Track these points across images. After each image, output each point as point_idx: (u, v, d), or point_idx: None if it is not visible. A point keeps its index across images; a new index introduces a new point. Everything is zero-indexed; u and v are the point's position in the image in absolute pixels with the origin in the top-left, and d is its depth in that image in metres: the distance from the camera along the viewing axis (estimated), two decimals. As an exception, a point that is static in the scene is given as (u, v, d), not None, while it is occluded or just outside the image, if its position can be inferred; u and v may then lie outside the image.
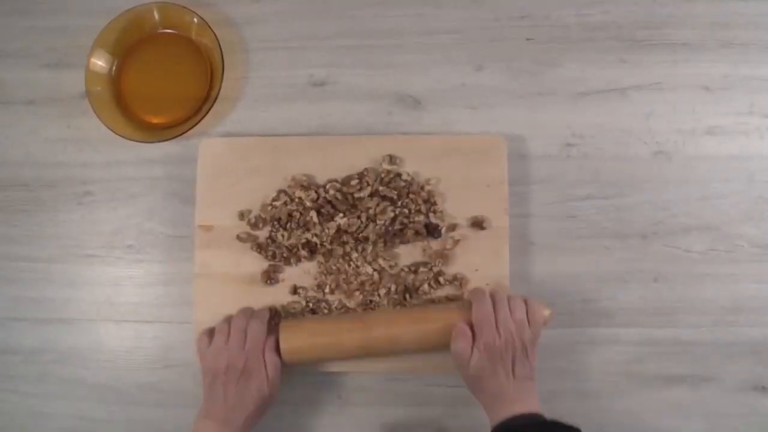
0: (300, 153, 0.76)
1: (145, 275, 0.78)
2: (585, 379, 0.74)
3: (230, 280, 0.75)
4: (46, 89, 0.82)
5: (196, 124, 0.77)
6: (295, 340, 0.69)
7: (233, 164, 0.76)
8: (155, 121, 0.80)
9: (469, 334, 0.66)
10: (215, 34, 0.77)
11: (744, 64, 0.78)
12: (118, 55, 0.80)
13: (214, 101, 0.77)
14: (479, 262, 0.73)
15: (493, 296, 0.67)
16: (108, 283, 0.78)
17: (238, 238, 0.75)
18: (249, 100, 0.80)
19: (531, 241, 0.76)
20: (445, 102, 0.78)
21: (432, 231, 0.73)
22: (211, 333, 0.70)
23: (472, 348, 0.65)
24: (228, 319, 0.71)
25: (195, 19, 0.78)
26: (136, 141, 0.77)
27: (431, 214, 0.74)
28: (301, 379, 0.75)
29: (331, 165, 0.76)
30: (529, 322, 0.66)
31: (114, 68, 0.81)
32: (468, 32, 0.80)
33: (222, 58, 0.77)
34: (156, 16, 0.80)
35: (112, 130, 0.76)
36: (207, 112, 0.77)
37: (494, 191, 0.74)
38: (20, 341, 0.79)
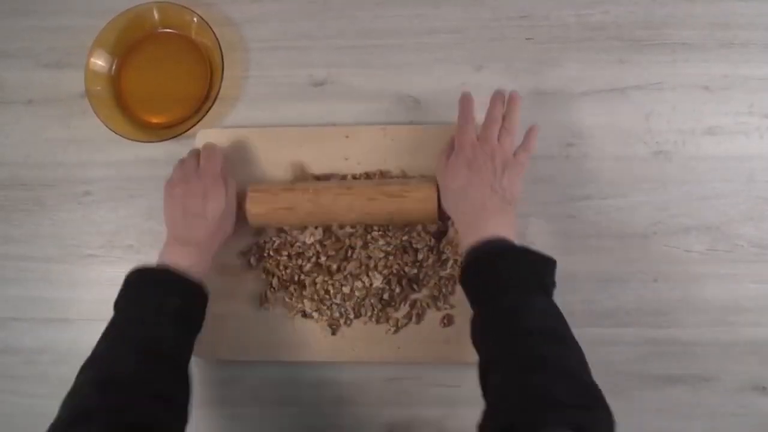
0: (297, 144, 0.77)
1: (145, 275, 0.78)
2: (585, 379, 0.74)
3: (227, 271, 0.75)
4: (46, 89, 0.82)
5: (196, 123, 0.77)
6: (261, 197, 0.72)
7: (231, 155, 0.77)
8: (155, 120, 0.80)
9: (450, 149, 0.68)
10: (215, 34, 0.77)
11: (744, 64, 0.78)
12: (118, 55, 0.80)
13: (214, 101, 0.77)
14: None
15: (488, 114, 0.68)
16: (108, 283, 0.78)
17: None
18: (249, 99, 0.80)
19: (531, 241, 0.76)
20: (445, 102, 0.78)
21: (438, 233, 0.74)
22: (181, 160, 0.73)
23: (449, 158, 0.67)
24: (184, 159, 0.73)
25: (195, 19, 0.78)
26: (136, 141, 0.77)
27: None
28: (301, 379, 0.75)
29: (327, 156, 0.76)
30: (518, 150, 0.67)
31: (114, 68, 0.81)
32: (468, 32, 0.80)
33: (222, 57, 0.77)
34: (156, 15, 0.80)
35: (112, 130, 0.77)
36: (207, 112, 0.77)
37: None
38: (20, 341, 0.79)
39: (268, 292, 0.74)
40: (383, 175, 0.75)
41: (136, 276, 0.65)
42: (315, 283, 0.73)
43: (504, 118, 0.68)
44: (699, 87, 0.78)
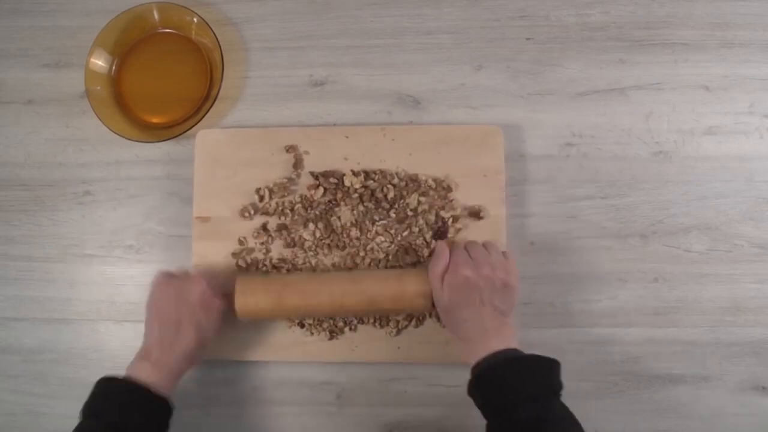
0: (297, 144, 0.76)
1: (145, 275, 0.78)
2: (584, 379, 0.74)
3: (228, 271, 0.75)
4: (45, 89, 0.82)
5: (196, 124, 0.77)
6: (249, 293, 0.69)
7: (230, 155, 0.77)
8: (155, 120, 0.80)
9: (447, 254, 0.67)
10: (215, 34, 0.77)
11: (744, 64, 0.78)
12: (118, 55, 0.80)
13: (214, 101, 0.77)
14: None
15: (468, 247, 0.68)
16: (108, 283, 0.78)
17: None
18: (249, 99, 0.80)
19: (531, 241, 0.76)
20: (444, 102, 0.78)
21: (440, 234, 0.74)
22: (169, 275, 0.71)
23: (446, 273, 0.66)
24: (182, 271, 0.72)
25: (195, 19, 0.78)
26: (136, 141, 0.77)
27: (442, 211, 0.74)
28: (301, 379, 0.75)
29: (328, 156, 0.76)
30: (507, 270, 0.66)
31: (114, 68, 0.81)
32: (467, 32, 0.80)
33: (222, 57, 0.77)
34: (156, 15, 0.80)
35: (111, 130, 0.76)
36: (207, 112, 0.77)
37: (491, 181, 0.74)
38: (20, 341, 0.78)
39: None
40: (383, 174, 0.75)
41: (103, 388, 0.64)
42: None
43: (484, 243, 0.69)
44: (699, 87, 0.78)
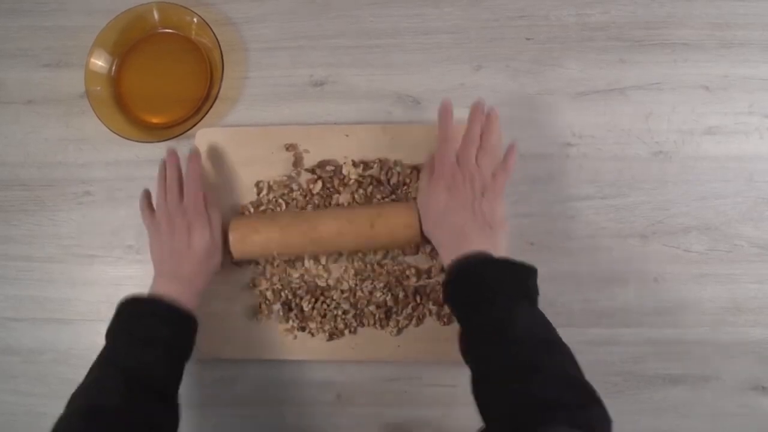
0: (297, 142, 0.76)
1: (144, 275, 0.78)
2: (585, 379, 0.74)
3: (228, 269, 0.75)
4: (45, 89, 0.82)
5: (196, 124, 0.77)
6: (244, 226, 0.71)
7: (230, 154, 0.77)
8: (155, 121, 0.80)
9: (432, 167, 0.68)
10: (215, 34, 0.77)
11: (744, 64, 0.78)
12: (118, 55, 0.80)
13: (214, 101, 0.77)
14: None
15: (466, 134, 0.68)
16: (108, 283, 0.78)
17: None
18: (249, 100, 0.80)
19: (531, 241, 0.76)
20: (445, 102, 0.78)
21: None
22: (149, 194, 0.73)
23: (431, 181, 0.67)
24: (162, 175, 0.72)
25: (195, 19, 0.78)
26: (136, 141, 0.77)
27: None
28: (301, 379, 0.75)
29: (328, 154, 0.76)
30: (497, 171, 0.67)
31: (114, 68, 0.81)
32: (467, 32, 0.80)
33: (222, 58, 0.77)
34: (156, 16, 0.80)
35: (111, 130, 0.76)
36: (207, 112, 0.77)
37: None
38: (20, 341, 0.78)
39: (263, 305, 0.75)
40: (382, 163, 0.75)
41: (127, 305, 0.65)
42: (315, 303, 0.74)
43: (482, 136, 0.68)
44: (699, 87, 0.78)
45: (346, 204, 0.74)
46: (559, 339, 0.57)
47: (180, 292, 0.65)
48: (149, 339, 0.62)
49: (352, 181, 0.74)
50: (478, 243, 0.62)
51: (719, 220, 0.75)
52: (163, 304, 0.64)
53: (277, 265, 0.75)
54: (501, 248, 0.63)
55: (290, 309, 0.74)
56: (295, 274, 0.75)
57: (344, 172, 0.75)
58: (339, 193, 0.75)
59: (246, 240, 0.71)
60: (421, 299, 0.73)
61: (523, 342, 0.56)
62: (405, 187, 0.74)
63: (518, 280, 0.60)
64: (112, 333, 0.64)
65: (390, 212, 0.70)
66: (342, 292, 0.74)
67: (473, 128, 0.68)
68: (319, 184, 0.75)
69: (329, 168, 0.75)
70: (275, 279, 0.75)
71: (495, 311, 0.58)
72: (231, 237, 0.71)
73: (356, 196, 0.74)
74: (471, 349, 0.60)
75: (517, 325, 0.57)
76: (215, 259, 0.70)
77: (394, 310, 0.73)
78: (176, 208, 0.69)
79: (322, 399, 0.75)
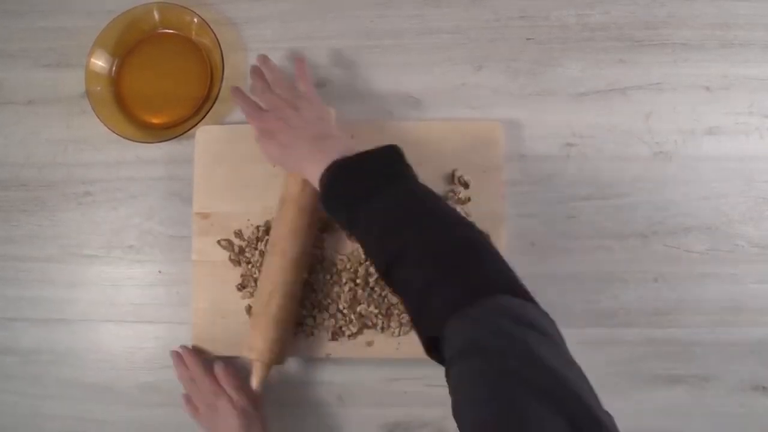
0: None
1: (145, 276, 0.78)
2: (585, 379, 0.74)
3: (228, 267, 0.75)
4: (46, 89, 0.82)
5: (197, 124, 0.77)
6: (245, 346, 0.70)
7: (230, 152, 0.77)
8: (155, 121, 0.80)
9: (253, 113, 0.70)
10: (215, 34, 0.77)
11: (744, 64, 0.78)
12: (118, 55, 0.80)
13: (214, 101, 0.77)
14: None
15: (253, 88, 0.71)
16: (108, 283, 0.78)
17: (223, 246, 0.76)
18: (249, 100, 0.80)
19: (531, 241, 0.76)
20: (445, 102, 0.78)
21: None
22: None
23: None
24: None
25: (195, 19, 0.78)
26: (136, 141, 0.77)
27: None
28: (301, 379, 0.75)
29: None
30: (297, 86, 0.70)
31: (114, 68, 0.80)
32: (468, 32, 0.80)
33: (222, 58, 0.77)
34: (156, 16, 0.80)
35: (112, 130, 0.76)
36: (207, 112, 0.77)
37: (490, 177, 0.74)
38: (19, 341, 0.78)
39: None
40: None
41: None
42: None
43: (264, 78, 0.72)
44: (699, 87, 0.78)
45: None
46: (443, 207, 0.57)
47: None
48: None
49: None
50: (321, 158, 0.61)
51: (719, 220, 0.75)
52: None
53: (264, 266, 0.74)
54: (341, 143, 0.63)
55: None
56: None
57: None
58: None
59: (266, 339, 0.69)
60: None
61: (416, 219, 0.55)
62: None
63: (384, 165, 0.59)
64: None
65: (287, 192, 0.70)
66: (339, 296, 0.74)
67: (257, 81, 0.72)
68: None
69: None
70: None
71: (375, 201, 0.57)
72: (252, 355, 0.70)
73: None
74: (366, 242, 0.59)
75: (408, 205, 0.56)
76: (250, 421, 0.68)
77: (396, 312, 0.73)
78: (205, 395, 0.71)
79: (322, 399, 0.75)
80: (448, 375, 0.48)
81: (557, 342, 0.47)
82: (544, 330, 0.46)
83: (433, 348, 0.53)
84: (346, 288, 0.73)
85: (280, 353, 0.70)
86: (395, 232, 0.55)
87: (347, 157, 0.60)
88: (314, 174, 0.62)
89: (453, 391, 0.46)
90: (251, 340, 0.69)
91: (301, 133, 0.65)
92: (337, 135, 0.66)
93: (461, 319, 0.48)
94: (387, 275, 0.57)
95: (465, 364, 0.45)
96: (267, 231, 0.75)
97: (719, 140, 0.77)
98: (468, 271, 0.52)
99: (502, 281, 0.52)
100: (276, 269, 0.69)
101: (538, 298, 0.72)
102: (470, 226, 0.56)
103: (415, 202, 0.57)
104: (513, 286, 0.52)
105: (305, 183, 0.68)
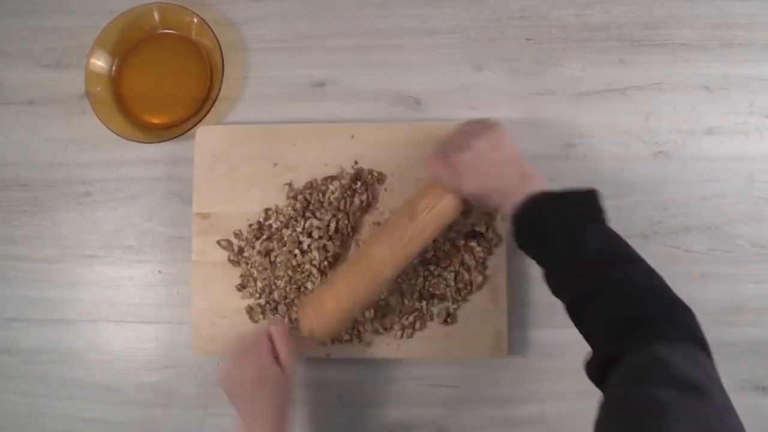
0: (297, 141, 0.76)
1: (145, 276, 0.78)
2: (585, 380, 0.74)
3: (228, 267, 0.75)
4: (46, 89, 0.82)
5: (196, 124, 0.77)
6: (318, 312, 0.66)
7: (230, 152, 0.77)
8: (155, 121, 0.80)
9: (437, 156, 0.65)
10: (215, 34, 0.77)
11: (744, 64, 0.78)
12: (118, 55, 0.80)
13: (214, 101, 0.77)
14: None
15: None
16: (108, 283, 0.78)
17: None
18: (249, 100, 0.80)
19: (531, 241, 0.75)
20: (445, 102, 0.78)
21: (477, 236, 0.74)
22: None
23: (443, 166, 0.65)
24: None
25: (195, 19, 0.78)
26: (136, 141, 0.77)
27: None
28: (301, 379, 0.75)
29: (328, 154, 0.76)
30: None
31: (114, 68, 0.80)
32: (468, 32, 0.80)
33: (222, 58, 0.77)
34: (156, 16, 0.80)
35: (111, 130, 0.76)
36: (207, 112, 0.77)
37: None
38: (20, 341, 0.78)
39: (253, 307, 0.75)
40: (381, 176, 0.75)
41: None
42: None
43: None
44: (699, 87, 0.78)
45: (371, 223, 0.75)
46: (635, 253, 0.58)
47: None
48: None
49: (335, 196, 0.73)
50: (530, 184, 0.62)
51: (719, 220, 0.75)
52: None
53: (263, 270, 0.74)
54: (543, 178, 0.63)
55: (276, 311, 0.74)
56: (280, 283, 0.73)
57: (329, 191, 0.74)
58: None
59: (321, 316, 0.66)
60: (426, 304, 0.73)
61: (595, 262, 0.57)
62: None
63: (582, 205, 0.60)
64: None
65: (424, 202, 0.66)
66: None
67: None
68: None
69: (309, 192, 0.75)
70: (259, 284, 0.74)
71: (565, 240, 0.58)
72: (305, 322, 0.67)
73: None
74: (557, 283, 0.60)
75: (587, 248, 0.57)
76: (289, 398, 0.66)
77: (397, 317, 0.73)
78: (251, 368, 0.65)
79: (322, 399, 0.75)
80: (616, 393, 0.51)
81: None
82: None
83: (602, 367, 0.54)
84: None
85: (335, 328, 0.68)
86: (592, 270, 0.57)
87: (550, 192, 0.60)
88: (506, 200, 0.62)
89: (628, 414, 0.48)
90: (321, 305, 0.67)
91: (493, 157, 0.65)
92: (535, 172, 0.65)
93: (662, 345, 0.51)
94: (573, 308, 0.58)
95: (670, 394, 0.47)
96: (260, 229, 0.75)
97: (719, 140, 0.77)
98: (659, 316, 0.54)
99: (692, 333, 0.56)
100: (380, 259, 0.66)
101: (538, 298, 0.72)
102: (661, 280, 0.58)
103: (614, 244, 0.59)
104: (700, 338, 0.56)
105: (455, 203, 0.66)
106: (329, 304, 0.66)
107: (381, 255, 0.66)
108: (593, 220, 0.59)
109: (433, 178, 0.66)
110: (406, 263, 0.66)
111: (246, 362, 0.65)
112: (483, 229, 0.73)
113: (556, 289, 0.60)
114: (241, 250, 0.75)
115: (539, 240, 0.60)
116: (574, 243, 0.57)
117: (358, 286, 0.66)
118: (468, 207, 0.69)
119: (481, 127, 0.65)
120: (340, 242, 0.73)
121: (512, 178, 0.63)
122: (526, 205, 0.60)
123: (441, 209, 0.65)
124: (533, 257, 0.62)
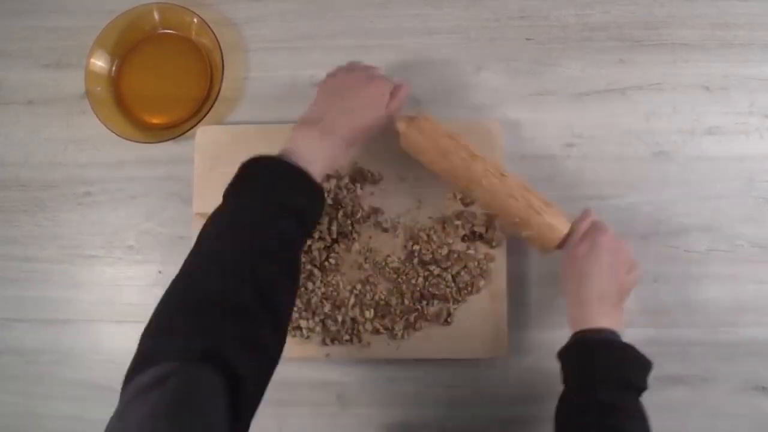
0: None
1: (145, 276, 0.78)
2: (585, 379, 0.74)
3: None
4: (45, 89, 0.82)
5: (196, 124, 0.77)
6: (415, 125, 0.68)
7: (230, 152, 0.76)
8: (155, 121, 0.80)
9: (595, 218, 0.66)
10: (215, 34, 0.77)
11: (744, 64, 0.78)
12: (118, 55, 0.80)
13: (214, 101, 0.77)
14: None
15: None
16: (108, 283, 0.78)
17: None
18: (249, 100, 0.80)
19: (531, 241, 0.76)
20: (445, 102, 0.78)
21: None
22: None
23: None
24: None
25: (195, 19, 0.78)
26: (136, 141, 0.77)
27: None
28: (301, 379, 0.75)
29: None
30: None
31: (114, 68, 0.81)
32: (468, 32, 0.80)
33: (222, 58, 0.77)
34: (156, 16, 0.80)
35: (111, 130, 0.76)
36: (207, 112, 0.77)
37: None
38: (20, 342, 0.79)
39: None
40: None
41: (255, 167, 0.58)
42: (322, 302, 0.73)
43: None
44: (699, 87, 0.78)
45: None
46: None
47: (321, 145, 0.60)
48: (284, 204, 0.56)
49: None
50: (610, 315, 0.62)
51: (719, 220, 0.75)
52: (296, 168, 0.57)
53: None
54: (621, 321, 0.64)
55: None
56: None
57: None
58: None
59: (422, 135, 0.68)
60: (426, 304, 0.73)
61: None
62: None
63: (632, 370, 0.60)
64: (236, 191, 0.57)
65: (549, 210, 0.68)
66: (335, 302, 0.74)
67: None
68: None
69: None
70: None
71: (600, 395, 0.58)
72: (411, 126, 0.68)
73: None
74: (567, 418, 0.60)
75: (616, 417, 0.57)
76: (379, 125, 0.65)
77: (396, 318, 0.73)
78: (364, 73, 0.66)
79: (322, 399, 0.75)
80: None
81: None
82: None
83: None
84: (352, 298, 0.73)
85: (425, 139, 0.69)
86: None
87: (616, 341, 0.61)
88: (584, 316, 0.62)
89: None
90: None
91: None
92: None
93: None
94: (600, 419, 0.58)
95: None
96: None
97: (719, 140, 0.77)
98: None
99: None
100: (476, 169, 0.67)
101: (538, 298, 0.72)
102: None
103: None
104: None
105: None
106: (430, 139, 0.67)
107: (486, 183, 0.67)
108: (636, 390, 0.59)
109: (572, 227, 0.67)
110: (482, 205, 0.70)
111: (362, 77, 0.65)
112: (483, 230, 0.73)
113: (564, 421, 0.60)
114: None
115: (582, 371, 0.60)
116: (609, 403, 0.57)
117: (454, 162, 0.67)
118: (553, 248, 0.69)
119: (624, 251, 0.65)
120: (341, 242, 0.73)
121: (604, 303, 0.63)
122: (593, 332, 0.61)
123: (545, 227, 0.67)
124: (565, 377, 0.62)
